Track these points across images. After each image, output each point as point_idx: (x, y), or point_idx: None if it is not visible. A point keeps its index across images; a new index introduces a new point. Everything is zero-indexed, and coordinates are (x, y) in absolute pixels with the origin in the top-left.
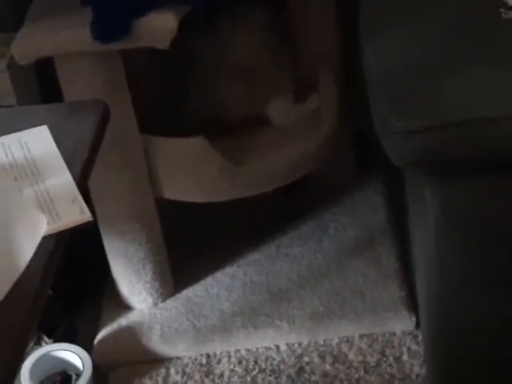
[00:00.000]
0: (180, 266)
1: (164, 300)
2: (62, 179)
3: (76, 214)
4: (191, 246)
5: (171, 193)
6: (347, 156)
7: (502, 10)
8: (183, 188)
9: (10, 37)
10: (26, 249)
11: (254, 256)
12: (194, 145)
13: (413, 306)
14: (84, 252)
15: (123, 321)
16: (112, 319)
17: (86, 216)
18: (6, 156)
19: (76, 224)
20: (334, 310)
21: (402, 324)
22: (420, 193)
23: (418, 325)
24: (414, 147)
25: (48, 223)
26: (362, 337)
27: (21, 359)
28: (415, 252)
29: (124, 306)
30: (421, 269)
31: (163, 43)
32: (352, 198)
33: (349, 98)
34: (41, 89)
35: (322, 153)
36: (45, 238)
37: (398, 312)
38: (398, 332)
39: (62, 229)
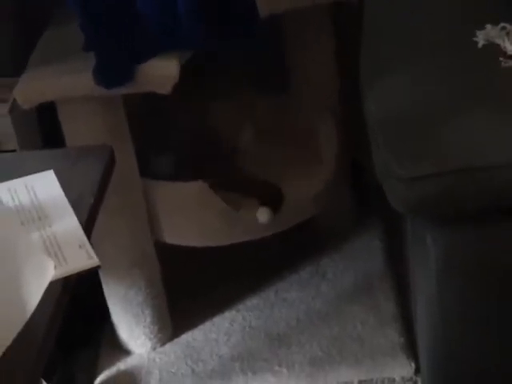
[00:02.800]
0: (179, 310)
1: (163, 344)
2: (68, 224)
3: (83, 258)
4: (190, 290)
5: (171, 237)
6: (346, 201)
7: (501, 58)
8: (183, 232)
9: (11, 81)
10: (34, 293)
11: (253, 301)
12: (194, 189)
13: (412, 352)
14: (82, 295)
15: (122, 365)
16: (110, 363)
17: (94, 261)
18: (13, 200)
19: (83, 269)
20: (333, 355)
21: (401, 370)
22: (421, 238)
23: (417, 371)
24: (416, 194)
25: (55, 268)
26: (360, 382)
27: None
28: (416, 297)
29: (122, 351)
30: (422, 314)
31: (165, 89)
32: (350, 243)
33: (348, 142)
34: (41, 132)
35: (321, 198)
36: (52, 283)
37: (397, 358)
38: (397, 378)
39: (69, 273)
